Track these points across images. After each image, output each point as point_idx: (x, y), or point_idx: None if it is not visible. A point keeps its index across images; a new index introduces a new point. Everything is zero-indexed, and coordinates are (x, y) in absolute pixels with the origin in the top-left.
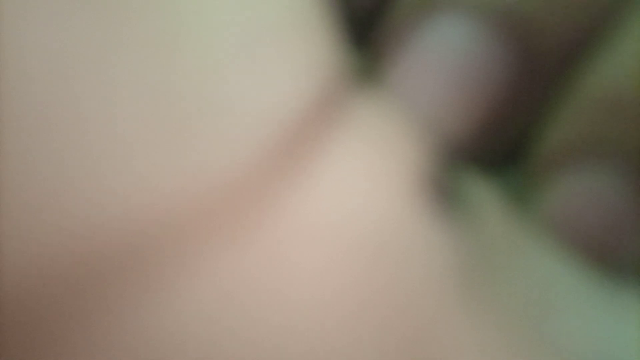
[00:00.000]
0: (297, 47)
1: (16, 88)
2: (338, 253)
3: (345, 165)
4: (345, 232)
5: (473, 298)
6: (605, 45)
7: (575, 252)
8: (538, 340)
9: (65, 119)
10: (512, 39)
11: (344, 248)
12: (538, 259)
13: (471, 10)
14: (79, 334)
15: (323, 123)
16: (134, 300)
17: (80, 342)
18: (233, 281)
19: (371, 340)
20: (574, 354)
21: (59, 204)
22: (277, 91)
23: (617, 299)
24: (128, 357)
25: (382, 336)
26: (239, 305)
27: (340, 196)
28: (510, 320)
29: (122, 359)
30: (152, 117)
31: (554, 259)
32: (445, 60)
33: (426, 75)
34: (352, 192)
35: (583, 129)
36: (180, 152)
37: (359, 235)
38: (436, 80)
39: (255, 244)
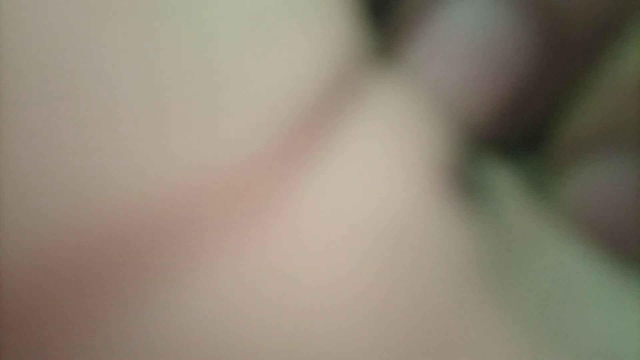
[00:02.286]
0: (314, 27)
1: (10, 75)
2: (358, 241)
3: (363, 149)
4: (364, 219)
5: (492, 290)
6: (635, 28)
7: (596, 242)
8: (557, 334)
9: (62, 106)
10: (536, 18)
11: (364, 236)
12: (559, 250)
13: None
14: (85, 331)
15: (340, 105)
16: (150, 295)
17: (88, 339)
18: (252, 270)
19: (389, 332)
20: (594, 349)
21: (60, 195)
22: (293, 72)
23: (637, 291)
24: (146, 352)
25: (400, 328)
26: (259, 294)
27: (357, 182)
28: (529, 313)
29: (136, 354)
30: (164, 99)
31: (574, 251)
32: (465, 41)
33: (446, 57)
34: (370, 178)
35: (608, 114)
36: (192, 137)
37: (377, 224)
38: (456, 62)
39: (273, 232)
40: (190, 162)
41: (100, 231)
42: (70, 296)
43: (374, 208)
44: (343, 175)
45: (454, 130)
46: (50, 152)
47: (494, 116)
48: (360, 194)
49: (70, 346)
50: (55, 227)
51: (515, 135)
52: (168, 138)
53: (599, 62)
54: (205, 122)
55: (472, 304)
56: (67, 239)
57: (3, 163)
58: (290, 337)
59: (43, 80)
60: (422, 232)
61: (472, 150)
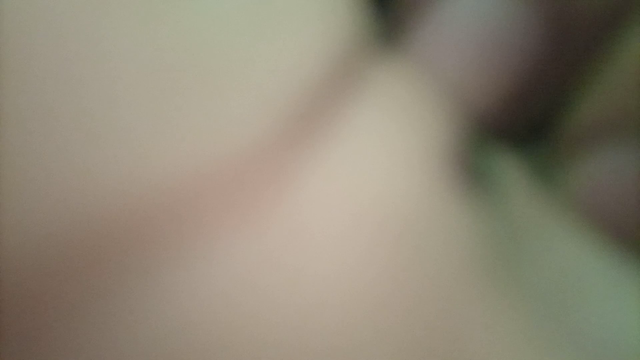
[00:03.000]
0: (318, 13)
1: (14, 69)
2: (359, 231)
3: (366, 137)
4: (366, 209)
5: (497, 280)
6: None
7: (601, 231)
8: (561, 323)
9: (63, 93)
10: (543, 7)
11: (365, 226)
12: (564, 240)
13: None
14: (84, 318)
15: (343, 92)
16: (147, 285)
17: (87, 326)
18: (251, 261)
19: (392, 322)
20: (598, 339)
21: (59, 184)
22: (296, 58)
23: None
24: (142, 342)
25: (404, 318)
26: (258, 285)
27: (360, 171)
28: (533, 303)
29: (134, 345)
30: (165, 87)
31: (580, 241)
32: (471, 29)
33: (450, 43)
34: (373, 166)
35: (614, 104)
36: (192, 125)
37: (380, 212)
38: (462, 50)
39: (273, 222)
40: (191, 151)
41: (98, 220)
42: (67, 286)
43: (377, 196)
44: (346, 163)
45: (459, 118)
46: (50, 140)
47: (499, 105)
48: (363, 182)
49: (68, 334)
50: (53, 216)
51: (521, 124)
52: (168, 126)
53: (605, 52)
54: (205, 110)
55: (476, 293)
56: (64, 229)
57: (7, 155)
58: (290, 329)
59: (46, 72)
60: (426, 221)
61: (477, 138)
